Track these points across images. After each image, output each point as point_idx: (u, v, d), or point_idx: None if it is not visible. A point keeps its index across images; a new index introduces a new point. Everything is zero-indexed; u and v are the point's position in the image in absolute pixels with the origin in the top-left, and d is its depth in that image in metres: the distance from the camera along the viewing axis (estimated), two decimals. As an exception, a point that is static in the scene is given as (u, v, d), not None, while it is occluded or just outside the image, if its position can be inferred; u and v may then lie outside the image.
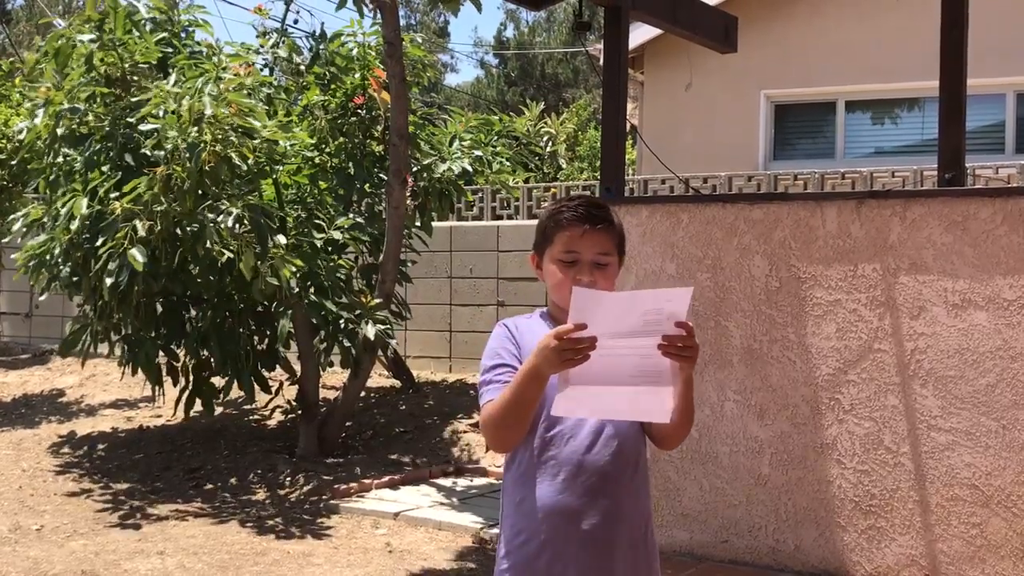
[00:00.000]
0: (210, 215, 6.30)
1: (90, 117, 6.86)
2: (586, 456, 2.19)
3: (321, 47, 8.01)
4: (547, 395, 2.09)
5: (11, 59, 12.09)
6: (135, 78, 7.06)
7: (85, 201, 6.49)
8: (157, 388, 7.28)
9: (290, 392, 8.14)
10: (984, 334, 4.26)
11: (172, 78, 6.71)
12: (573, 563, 2.18)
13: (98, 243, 6.41)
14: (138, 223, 6.25)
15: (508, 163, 8.54)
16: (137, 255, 6.12)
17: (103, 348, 7.44)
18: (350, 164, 7.85)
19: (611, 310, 1.94)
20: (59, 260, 6.77)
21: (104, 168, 6.84)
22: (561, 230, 2.21)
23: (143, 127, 6.58)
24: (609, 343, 1.93)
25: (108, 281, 6.19)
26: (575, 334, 1.92)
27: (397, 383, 9.19)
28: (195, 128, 6.18)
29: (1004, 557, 4.21)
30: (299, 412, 7.63)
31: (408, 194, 7.36)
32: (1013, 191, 4.56)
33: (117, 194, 6.45)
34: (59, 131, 6.82)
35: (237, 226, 6.28)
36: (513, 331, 2.25)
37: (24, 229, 7.10)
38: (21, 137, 7.09)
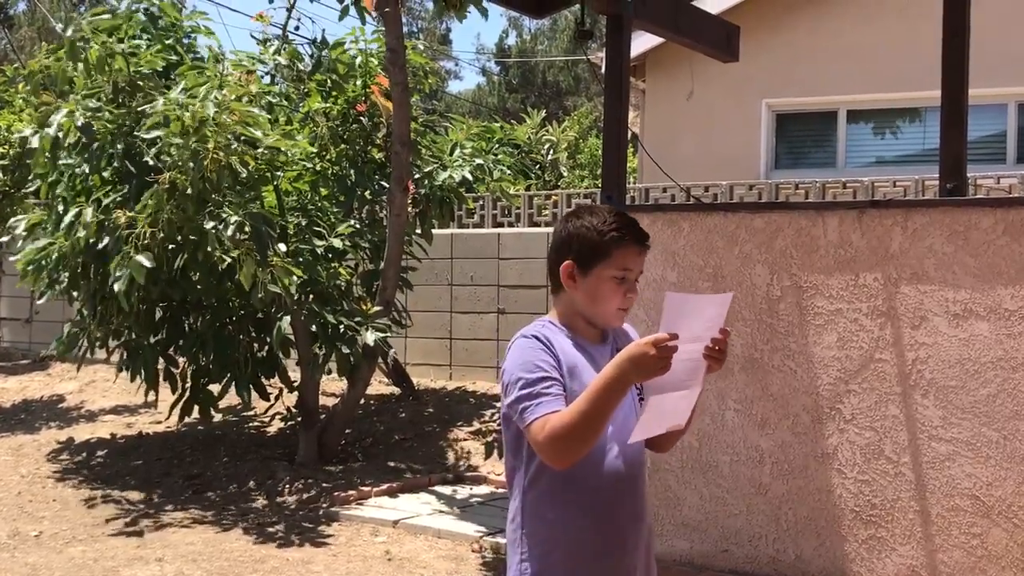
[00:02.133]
0: (211, 222, 6.30)
1: (96, 125, 6.86)
2: (621, 463, 2.23)
3: (323, 54, 8.01)
4: None
5: (14, 64, 12.10)
6: (139, 83, 7.05)
7: (91, 211, 6.48)
8: (155, 394, 7.27)
9: (289, 399, 8.13)
10: (985, 344, 4.25)
11: (180, 86, 6.70)
12: (608, 569, 2.22)
13: (100, 248, 6.42)
14: (141, 230, 6.26)
15: (509, 171, 8.54)
16: (145, 261, 6.13)
17: (102, 353, 7.43)
18: (351, 171, 7.85)
19: (690, 316, 2.03)
20: (58, 265, 6.76)
21: (105, 174, 6.82)
22: (623, 247, 2.23)
23: (146, 135, 6.59)
24: (680, 348, 2.02)
25: (117, 287, 6.17)
26: (670, 342, 1.98)
27: (397, 390, 9.18)
28: (197, 135, 6.18)
29: (1005, 568, 4.20)
30: (299, 419, 7.62)
31: (409, 201, 7.36)
32: (1014, 201, 4.55)
33: (121, 203, 6.46)
34: (67, 141, 6.78)
35: (238, 234, 6.28)
36: (547, 343, 2.18)
37: (25, 234, 7.09)
38: (33, 146, 6.90)
